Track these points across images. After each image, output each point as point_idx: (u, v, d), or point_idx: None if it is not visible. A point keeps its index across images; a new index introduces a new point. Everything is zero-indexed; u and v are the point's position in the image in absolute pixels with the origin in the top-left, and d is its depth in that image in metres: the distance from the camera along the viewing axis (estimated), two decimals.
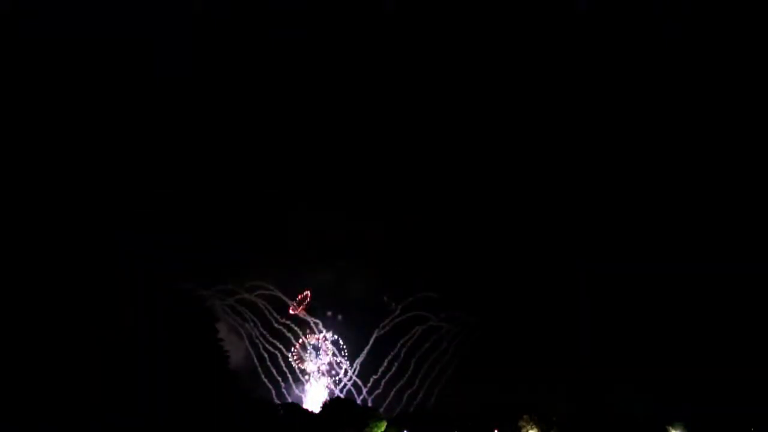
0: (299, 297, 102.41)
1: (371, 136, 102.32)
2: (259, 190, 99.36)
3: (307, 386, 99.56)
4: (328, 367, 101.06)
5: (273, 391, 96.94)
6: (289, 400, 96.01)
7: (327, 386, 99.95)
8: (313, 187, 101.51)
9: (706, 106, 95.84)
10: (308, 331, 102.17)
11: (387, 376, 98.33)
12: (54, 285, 58.25)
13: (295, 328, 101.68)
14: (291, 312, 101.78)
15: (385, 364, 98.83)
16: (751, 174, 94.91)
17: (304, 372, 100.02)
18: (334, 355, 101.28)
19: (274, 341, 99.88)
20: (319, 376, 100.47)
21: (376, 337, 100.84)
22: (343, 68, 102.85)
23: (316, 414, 79.86)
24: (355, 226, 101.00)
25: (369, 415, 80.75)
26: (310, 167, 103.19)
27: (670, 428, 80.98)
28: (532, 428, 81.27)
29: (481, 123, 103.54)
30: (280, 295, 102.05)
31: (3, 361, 51.82)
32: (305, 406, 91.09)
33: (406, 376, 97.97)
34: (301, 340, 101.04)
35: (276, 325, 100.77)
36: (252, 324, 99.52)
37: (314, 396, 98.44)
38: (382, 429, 79.18)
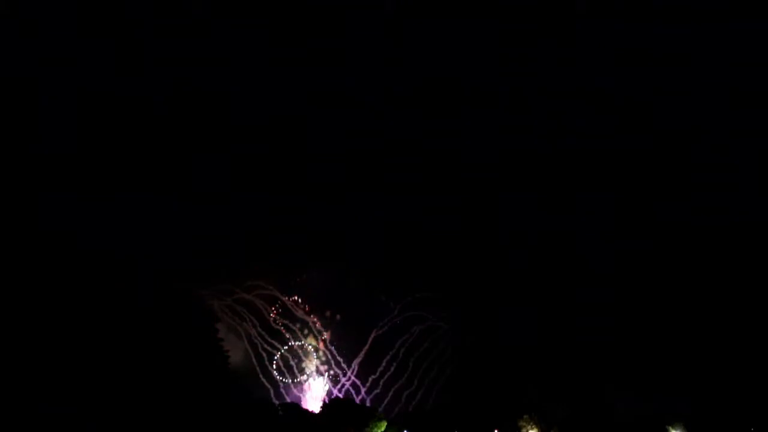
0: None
1: (371, 136, 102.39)
2: (258, 189, 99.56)
3: (305, 386, 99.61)
4: (326, 367, 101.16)
5: (271, 391, 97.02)
6: (288, 400, 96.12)
7: (325, 386, 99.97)
8: (312, 187, 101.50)
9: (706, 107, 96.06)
10: (306, 332, 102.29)
11: (386, 376, 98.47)
12: (54, 285, 58.26)
13: (294, 327, 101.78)
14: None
15: (384, 364, 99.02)
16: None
17: (302, 372, 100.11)
18: (332, 355, 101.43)
19: (273, 341, 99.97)
20: (317, 376, 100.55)
21: (375, 337, 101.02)
22: (342, 68, 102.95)
23: (316, 414, 79.80)
24: (354, 226, 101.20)
25: (369, 415, 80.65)
26: (310, 167, 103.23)
27: (670, 428, 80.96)
28: (532, 428, 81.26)
29: (481, 123, 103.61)
30: (278, 294, 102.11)
31: (3, 361, 51.85)
32: (304, 406, 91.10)
33: (405, 376, 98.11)
34: (298, 343, 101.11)
35: (274, 325, 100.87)
36: (250, 324, 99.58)
37: (313, 396, 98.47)
38: (382, 429, 79.13)
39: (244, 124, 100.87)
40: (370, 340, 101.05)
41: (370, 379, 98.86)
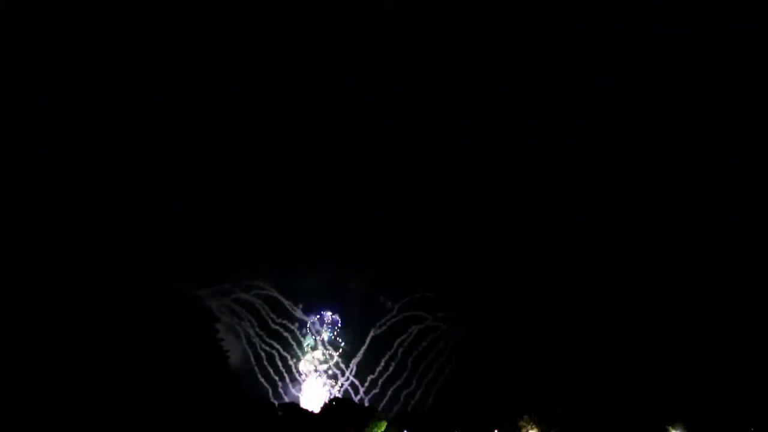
0: None
1: (371, 136, 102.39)
2: (258, 189, 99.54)
3: (303, 386, 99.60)
4: (325, 367, 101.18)
5: (270, 391, 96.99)
6: (286, 399, 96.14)
7: (324, 386, 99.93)
8: (312, 187, 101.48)
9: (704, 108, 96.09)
10: (304, 331, 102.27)
11: (384, 376, 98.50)
12: (54, 285, 58.24)
13: (292, 327, 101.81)
14: None
15: (383, 363, 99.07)
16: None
17: (300, 372, 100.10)
18: (330, 355, 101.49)
19: (271, 341, 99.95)
20: (316, 376, 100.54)
21: (373, 337, 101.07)
22: (342, 68, 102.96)
23: (316, 414, 79.76)
24: (354, 226, 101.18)
25: (369, 414, 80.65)
26: (310, 167, 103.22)
27: (670, 428, 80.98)
28: (532, 428, 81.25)
29: (481, 123, 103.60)
30: (276, 294, 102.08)
31: (3, 361, 51.83)
32: (302, 405, 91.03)
33: (404, 375, 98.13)
34: (297, 343, 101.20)
35: (273, 325, 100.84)
36: (249, 324, 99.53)
37: (311, 396, 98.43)
38: (382, 429, 79.11)
39: (244, 124, 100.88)
40: (369, 339, 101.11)
41: (368, 379, 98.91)
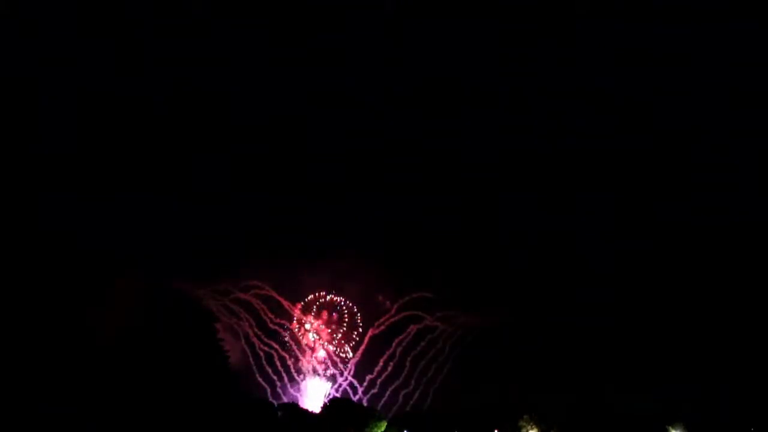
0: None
1: (371, 136, 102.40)
2: (258, 189, 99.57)
3: (302, 386, 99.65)
4: (323, 366, 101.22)
5: (268, 391, 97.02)
6: (285, 399, 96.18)
7: (323, 386, 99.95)
8: (312, 187, 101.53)
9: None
10: (303, 331, 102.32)
11: (383, 376, 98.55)
12: (54, 285, 58.26)
13: (291, 327, 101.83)
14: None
15: (381, 363, 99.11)
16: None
17: (299, 372, 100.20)
18: (329, 355, 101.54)
19: (270, 341, 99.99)
20: (314, 376, 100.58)
21: (371, 337, 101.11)
22: (342, 68, 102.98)
23: (315, 414, 79.82)
24: (354, 226, 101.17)
25: (369, 415, 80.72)
26: (310, 167, 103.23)
27: (670, 428, 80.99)
28: (532, 428, 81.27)
29: (481, 123, 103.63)
30: (274, 294, 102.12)
31: (3, 361, 51.83)
32: (301, 406, 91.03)
33: (402, 375, 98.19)
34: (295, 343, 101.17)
35: (271, 325, 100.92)
36: (247, 323, 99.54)
37: (310, 396, 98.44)
38: (382, 429, 79.16)
39: (244, 124, 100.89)
40: (367, 339, 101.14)
41: (367, 379, 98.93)
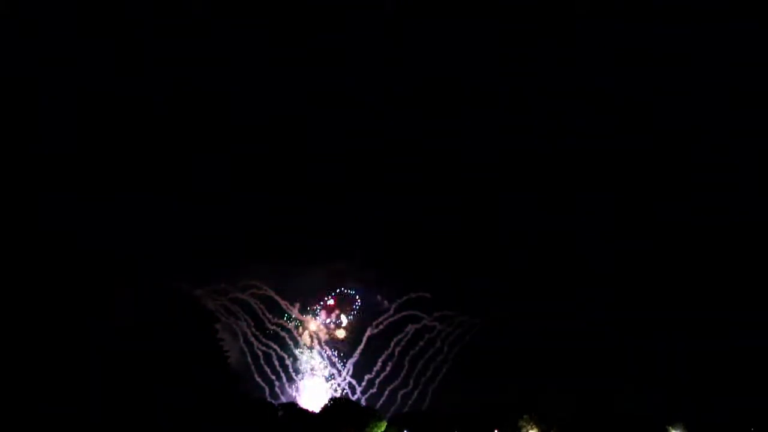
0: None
1: (371, 136, 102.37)
2: (258, 189, 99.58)
3: (300, 386, 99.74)
4: (321, 366, 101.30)
5: (267, 390, 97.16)
6: (283, 399, 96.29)
7: (322, 386, 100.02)
8: (312, 187, 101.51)
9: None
10: (301, 331, 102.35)
11: (381, 376, 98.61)
12: (54, 285, 58.26)
13: (289, 327, 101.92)
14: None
15: (379, 363, 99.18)
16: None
17: (297, 372, 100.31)
18: (327, 355, 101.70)
19: (268, 341, 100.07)
20: (312, 376, 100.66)
21: (370, 336, 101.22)
22: (342, 68, 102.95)
23: (315, 414, 79.81)
24: (354, 226, 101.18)
25: (369, 415, 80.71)
26: (310, 167, 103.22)
27: (670, 428, 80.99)
28: (532, 428, 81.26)
29: (481, 123, 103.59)
30: (273, 294, 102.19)
31: (3, 361, 51.84)
32: (301, 405, 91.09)
33: (401, 375, 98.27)
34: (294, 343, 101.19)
35: (269, 325, 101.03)
36: (246, 323, 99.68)
37: (309, 396, 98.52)
38: (382, 429, 79.16)
39: (244, 124, 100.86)
40: (365, 339, 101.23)
41: (365, 379, 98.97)
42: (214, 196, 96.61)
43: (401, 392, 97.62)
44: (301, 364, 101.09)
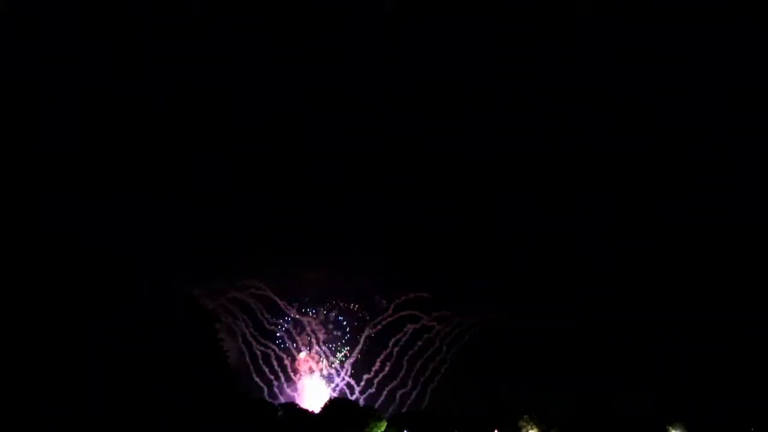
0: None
1: (371, 136, 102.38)
2: (258, 189, 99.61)
3: (299, 386, 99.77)
4: (320, 366, 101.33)
5: (265, 390, 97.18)
6: (282, 399, 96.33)
7: (320, 386, 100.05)
8: (312, 187, 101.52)
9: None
10: (300, 331, 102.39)
11: (380, 376, 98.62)
12: (54, 285, 58.25)
13: (288, 327, 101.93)
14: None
15: (378, 363, 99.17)
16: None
17: (296, 372, 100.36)
18: (326, 355, 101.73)
19: (266, 341, 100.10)
20: (311, 376, 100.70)
21: (368, 336, 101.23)
22: (342, 68, 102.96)
23: (315, 414, 79.79)
24: (354, 226, 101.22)
25: (369, 415, 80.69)
26: (310, 167, 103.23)
27: (670, 428, 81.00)
28: (532, 428, 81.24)
29: (481, 123, 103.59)
30: (271, 294, 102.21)
31: (3, 361, 51.82)
32: (300, 405, 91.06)
33: (400, 375, 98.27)
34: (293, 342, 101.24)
35: (268, 325, 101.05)
36: (244, 323, 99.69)
37: (308, 396, 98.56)
38: (382, 429, 79.12)
39: (244, 124, 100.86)
40: (363, 339, 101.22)
41: (364, 379, 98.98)
42: (214, 196, 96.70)
43: (400, 392, 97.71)
44: (299, 364, 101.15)
